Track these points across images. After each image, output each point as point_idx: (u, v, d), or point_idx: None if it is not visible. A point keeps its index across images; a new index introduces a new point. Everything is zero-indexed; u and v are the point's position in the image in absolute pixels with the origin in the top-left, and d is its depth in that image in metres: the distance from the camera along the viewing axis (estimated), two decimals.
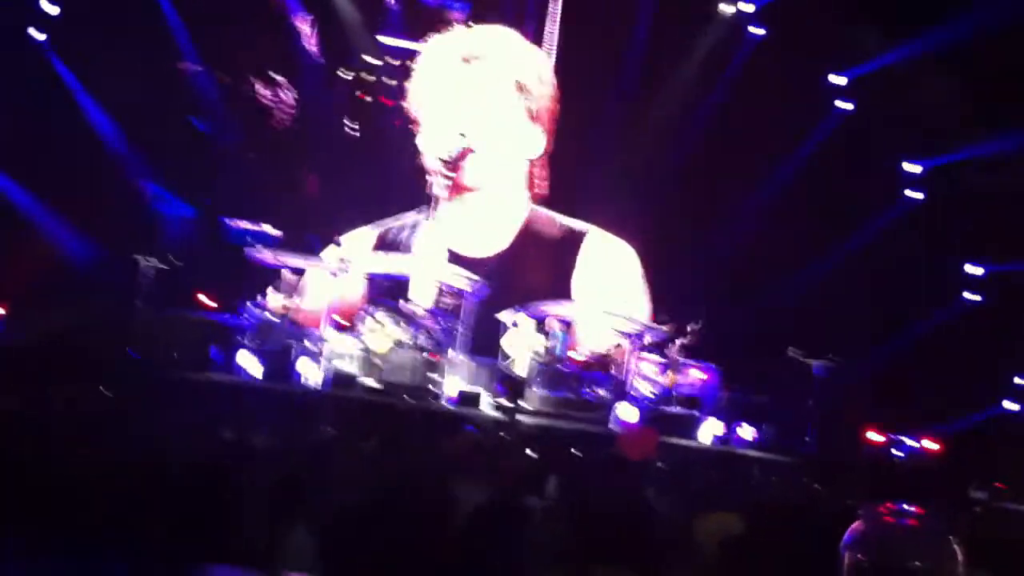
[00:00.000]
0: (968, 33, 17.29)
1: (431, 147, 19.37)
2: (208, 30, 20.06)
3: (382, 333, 16.49)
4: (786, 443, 16.62)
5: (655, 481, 7.78)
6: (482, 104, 19.78)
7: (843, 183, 19.73)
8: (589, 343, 18.65)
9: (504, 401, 15.49)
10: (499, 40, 20.19)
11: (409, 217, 20.16)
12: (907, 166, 20.00)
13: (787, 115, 19.72)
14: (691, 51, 20.69)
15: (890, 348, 19.34)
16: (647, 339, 17.49)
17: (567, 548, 3.56)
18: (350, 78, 21.00)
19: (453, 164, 18.55)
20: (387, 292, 17.68)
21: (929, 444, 17.57)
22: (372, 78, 21.00)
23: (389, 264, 18.35)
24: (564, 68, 20.52)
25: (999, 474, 14.89)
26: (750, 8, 20.42)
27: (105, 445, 4.08)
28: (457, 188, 19.19)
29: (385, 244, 19.84)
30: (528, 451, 8.41)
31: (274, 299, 16.79)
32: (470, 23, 20.44)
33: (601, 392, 17.02)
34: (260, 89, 20.53)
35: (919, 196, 19.98)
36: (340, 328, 17.07)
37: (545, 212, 20.54)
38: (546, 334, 17.14)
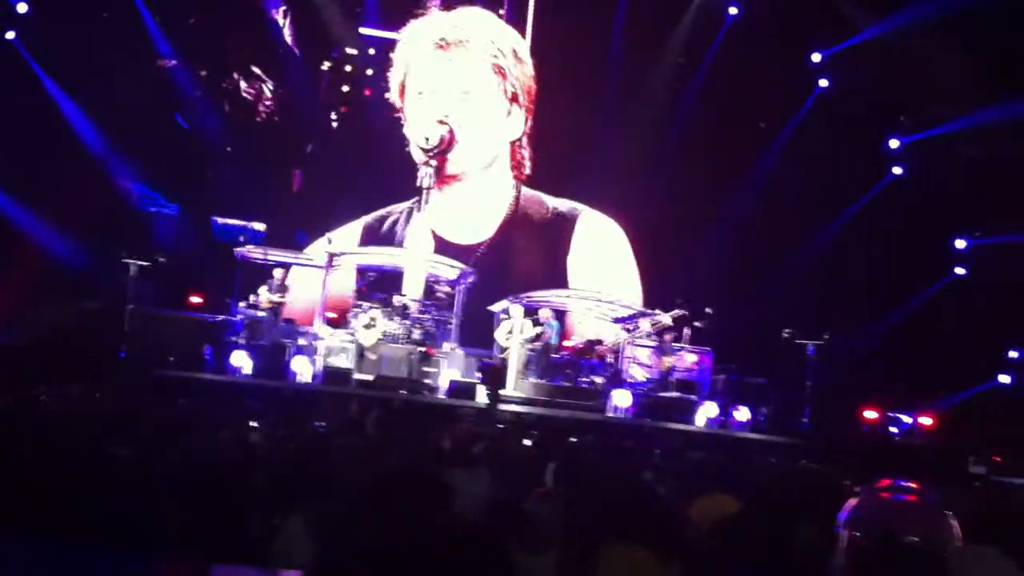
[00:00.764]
0: (952, 3, 17.28)
1: (414, 134, 19.30)
2: (184, 25, 19.95)
3: (374, 328, 16.46)
4: (782, 424, 16.64)
5: (653, 465, 7.77)
6: (462, 89, 19.70)
7: (829, 160, 19.72)
8: (584, 330, 18.65)
9: (484, 388, 15.39)
10: (476, 23, 20.08)
11: (397, 208, 20.10)
12: (890, 142, 20.01)
13: (769, 94, 19.71)
14: (672, 30, 20.64)
15: (883, 325, 19.37)
16: (647, 324, 17.43)
17: (569, 532, 3.54)
18: (330, 70, 20.92)
19: (436, 152, 18.50)
20: (379, 286, 17.63)
21: (924, 420, 17.61)
22: (351, 69, 20.93)
23: (378, 257, 18.31)
24: (545, 48, 20.44)
25: (995, 447, 14.93)
26: None
27: (96, 445, 4.06)
28: (442, 176, 19.14)
29: (372, 237, 19.77)
30: (525, 440, 8.39)
31: (265, 296, 16.74)
32: (448, 7, 20.31)
33: (596, 379, 17.02)
34: (241, 83, 20.44)
35: (899, 171, 20.00)
36: (332, 324, 17.03)
37: (533, 194, 20.47)
38: (539, 323, 17.12)
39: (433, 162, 18.46)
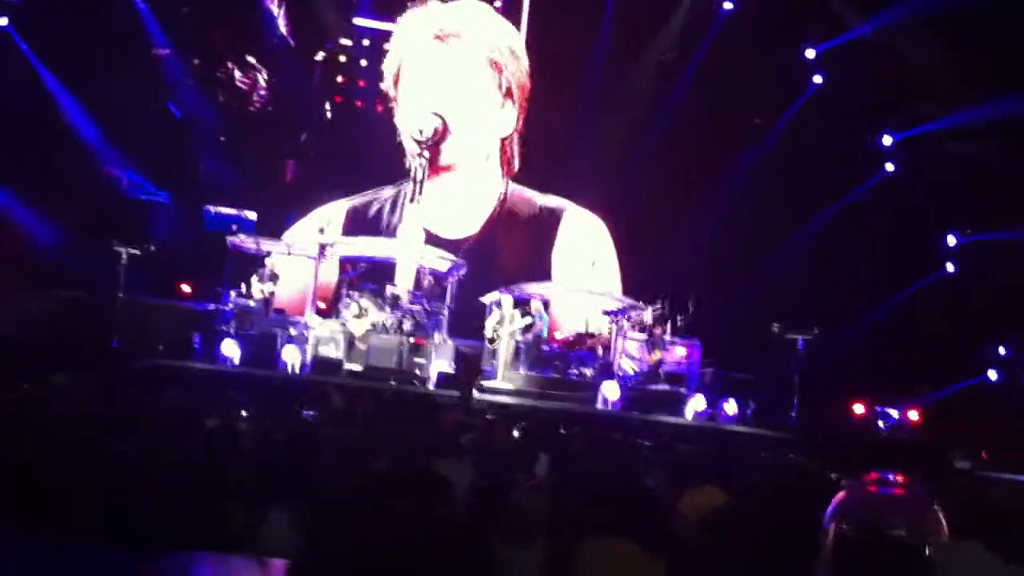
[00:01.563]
0: (940, 2, 17.31)
1: (407, 125, 19.27)
2: (177, 14, 19.88)
3: (364, 318, 16.44)
4: (771, 417, 16.66)
5: (642, 457, 7.79)
6: (457, 82, 19.67)
7: (819, 156, 19.76)
8: (570, 323, 18.65)
9: (458, 378, 15.34)
10: (473, 16, 20.04)
11: (384, 192, 20.05)
12: (882, 138, 20.05)
13: (762, 89, 19.74)
14: (665, 25, 20.64)
15: (871, 320, 19.43)
16: (645, 316, 17.42)
17: (556, 524, 3.55)
18: (324, 60, 20.87)
19: (429, 143, 18.47)
20: (370, 276, 17.60)
21: (911, 415, 17.66)
22: (345, 60, 20.88)
23: (370, 248, 18.27)
24: (538, 42, 20.43)
25: (981, 443, 15.00)
26: None
27: (85, 434, 4.05)
28: (435, 167, 19.10)
29: (358, 219, 19.69)
30: (515, 432, 8.40)
31: (256, 286, 16.70)
32: None
33: (586, 371, 17.03)
34: (235, 73, 20.37)
35: (891, 168, 20.04)
36: (322, 313, 17.01)
37: (521, 189, 20.47)
38: (530, 314, 17.11)
39: (426, 154, 18.42)
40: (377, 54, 20.30)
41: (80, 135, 19.24)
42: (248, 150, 20.16)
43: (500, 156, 20.28)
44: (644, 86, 20.71)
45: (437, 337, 16.74)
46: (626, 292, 18.92)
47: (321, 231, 17.98)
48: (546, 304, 17.92)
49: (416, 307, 16.95)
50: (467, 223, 20.03)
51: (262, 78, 20.52)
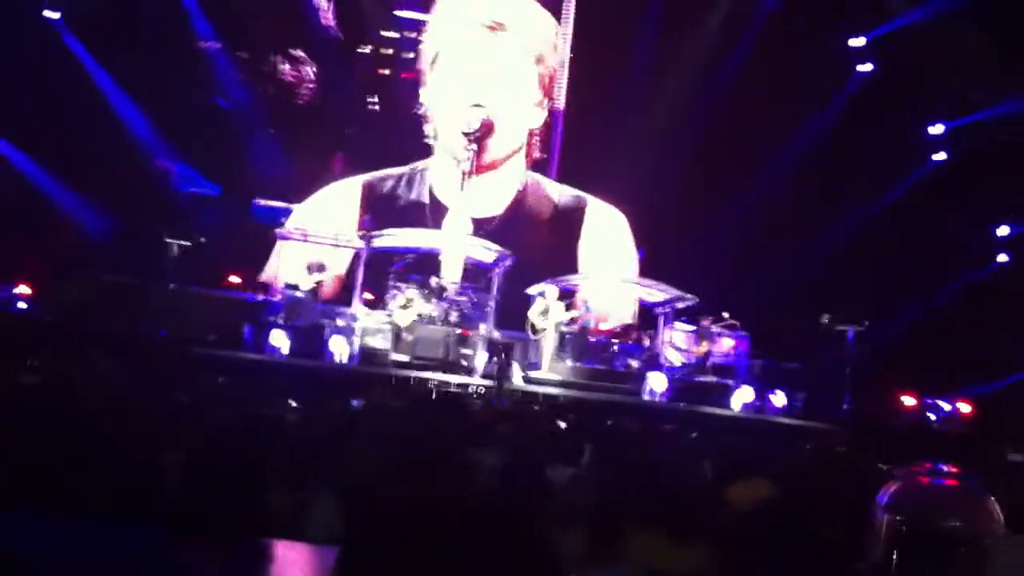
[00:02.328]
0: None
1: (451, 121, 19.21)
2: (225, 7, 20.04)
3: (411, 309, 16.51)
4: (820, 409, 16.52)
5: (688, 448, 7.74)
6: (502, 75, 19.58)
7: (869, 145, 19.53)
8: (616, 315, 18.59)
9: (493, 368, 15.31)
10: (522, 6, 19.94)
11: (393, 172, 20.05)
12: (932, 128, 19.76)
13: (808, 78, 19.53)
14: (708, 16, 20.48)
15: (922, 311, 19.18)
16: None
17: (601, 512, 3.53)
18: (369, 53, 20.94)
19: (476, 136, 18.43)
20: (415, 267, 17.65)
21: (962, 407, 17.43)
22: (391, 52, 20.93)
23: (415, 239, 18.30)
24: (578, 33, 20.38)
25: None
26: None
27: (133, 420, 4.10)
28: (480, 165, 19.01)
29: (373, 194, 19.66)
30: (560, 422, 8.38)
31: (304, 277, 16.83)
32: None
33: (633, 363, 16.98)
34: (282, 66, 20.50)
35: (941, 157, 19.76)
36: (369, 304, 17.10)
37: (542, 179, 20.40)
38: (576, 306, 17.09)
39: (473, 146, 18.40)
40: (421, 46, 20.30)
41: (131, 128, 19.48)
42: (296, 143, 20.30)
43: (526, 145, 20.23)
44: (687, 74, 20.55)
45: (483, 328, 16.76)
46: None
47: (366, 222, 18.05)
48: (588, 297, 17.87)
49: (462, 298, 16.99)
50: (490, 204, 19.86)
51: (309, 71, 20.64)
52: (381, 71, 21.10)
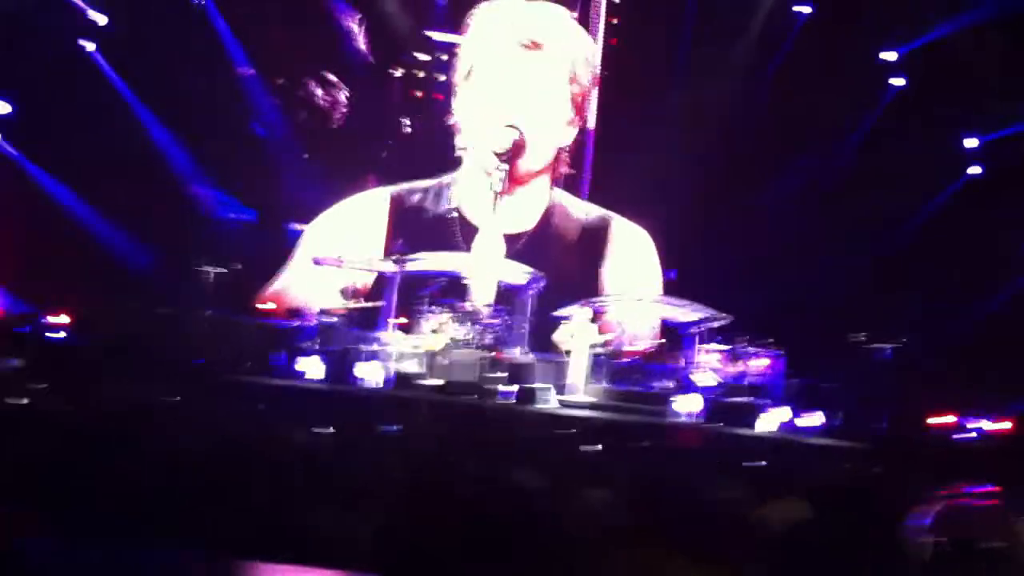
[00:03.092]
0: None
1: (482, 136, 19.24)
2: (257, 33, 20.27)
3: (443, 333, 16.54)
4: (854, 428, 16.36)
5: (723, 469, 7.70)
6: (537, 95, 19.56)
7: (904, 160, 19.40)
8: (648, 335, 18.54)
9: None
10: (558, 25, 19.87)
11: (429, 184, 20.09)
12: (966, 141, 19.63)
13: (840, 94, 19.47)
14: (740, 32, 20.47)
15: (961, 328, 18.99)
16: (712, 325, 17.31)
17: (633, 538, 3.52)
18: (402, 76, 21.08)
19: (508, 156, 18.46)
20: (448, 291, 17.69)
21: (1002, 425, 17.20)
22: (423, 74, 21.06)
23: (448, 263, 18.34)
24: (611, 50, 20.45)
25: None
26: None
27: (164, 445, 4.13)
28: (512, 180, 19.01)
29: (402, 208, 19.66)
30: (595, 445, 8.36)
31: (339, 302, 16.92)
32: None
33: (666, 383, 16.91)
34: (316, 91, 20.68)
35: (978, 171, 19.61)
36: (402, 329, 17.15)
37: (567, 197, 20.36)
38: (607, 328, 17.07)
39: (505, 165, 18.43)
40: (454, 69, 20.42)
41: (168, 157, 19.70)
42: (330, 167, 20.44)
43: (554, 162, 20.22)
44: (720, 90, 20.51)
45: (516, 351, 16.76)
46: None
47: (400, 250, 18.10)
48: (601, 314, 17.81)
49: (495, 321, 17.01)
50: (521, 220, 19.83)
51: (343, 95, 20.80)
52: (414, 93, 21.23)
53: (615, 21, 20.69)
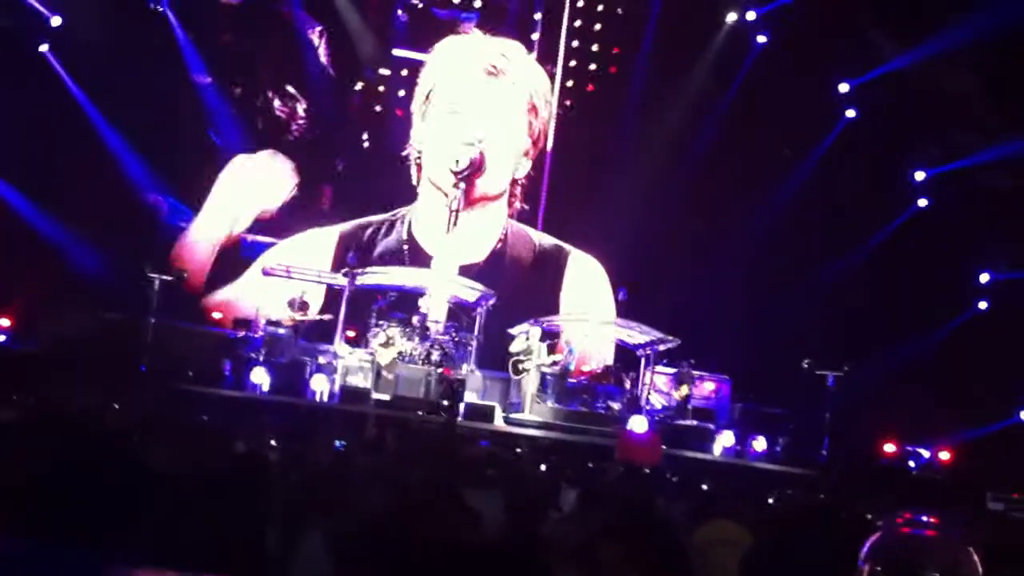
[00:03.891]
0: (976, 33, 17.27)
1: (440, 155, 19.28)
2: (218, 43, 20.15)
3: (392, 347, 16.48)
4: (800, 455, 16.55)
5: (666, 492, 7.76)
6: (498, 120, 19.67)
7: (852, 191, 19.71)
8: (597, 357, 18.61)
9: (442, 402, 15.22)
10: (520, 58, 20.17)
11: (376, 219, 20.10)
12: (915, 174, 19.97)
13: (794, 123, 19.75)
14: (697, 62, 20.73)
15: (902, 358, 19.26)
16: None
17: (582, 559, 3.54)
18: (362, 90, 21.06)
19: (466, 174, 18.50)
20: (398, 306, 17.63)
21: (942, 454, 17.48)
22: (384, 89, 21.07)
23: (399, 277, 18.29)
24: (571, 85, 20.71)
25: (1013, 485, 14.80)
26: (753, 16, 20.39)
27: (114, 456, 4.08)
28: (470, 199, 19.02)
29: (347, 246, 19.62)
30: (542, 465, 8.40)
31: (286, 313, 16.80)
32: (474, 27, 20.45)
33: (613, 405, 16.98)
34: (274, 102, 20.59)
35: (924, 203, 19.96)
36: (350, 342, 17.06)
37: (523, 227, 20.53)
38: (558, 348, 17.12)
39: (462, 184, 18.46)
40: (415, 85, 20.46)
41: (120, 163, 19.47)
42: None
43: (509, 195, 20.37)
44: (673, 121, 20.76)
45: (465, 368, 16.75)
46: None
47: (351, 260, 18.05)
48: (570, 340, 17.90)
49: (444, 337, 16.99)
50: (472, 252, 19.89)
51: (300, 108, 20.74)
52: (374, 108, 21.23)
53: (572, 63, 21.00)
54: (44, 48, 18.86)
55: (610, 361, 18.36)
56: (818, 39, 19.44)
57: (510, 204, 20.41)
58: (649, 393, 17.39)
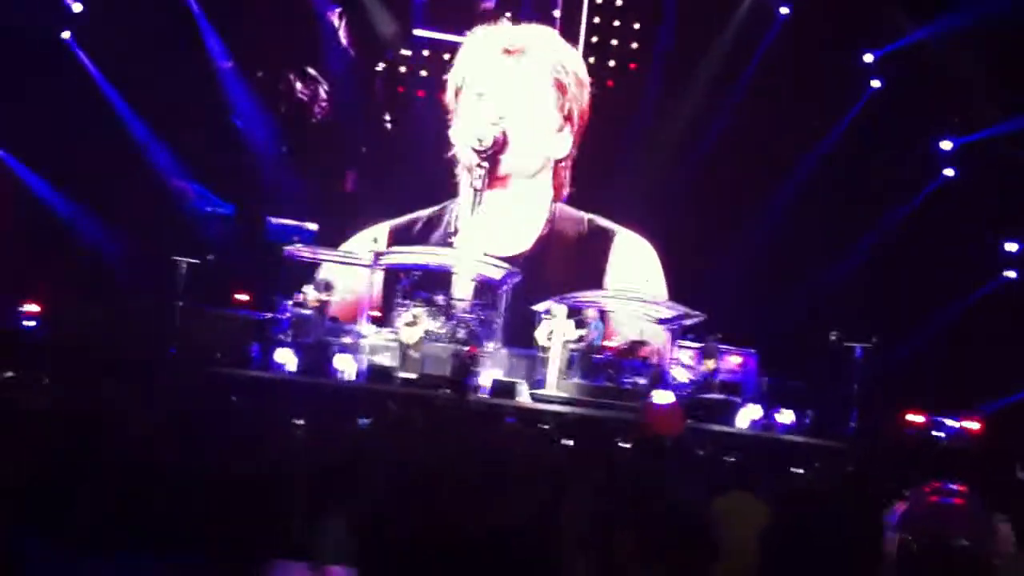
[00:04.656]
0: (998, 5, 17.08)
1: (466, 135, 19.31)
2: (238, 27, 20.15)
3: (417, 326, 16.53)
4: (827, 427, 16.49)
5: (691, 467, 7.73)
6: (520, 95, 19.68)
7: (877, 163, 19.55)
8: (624, 332, 18.60)
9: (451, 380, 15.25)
10: (542, 36, 20.18)
11: (424, 214, 20.16)
12: (941, 144, 19.77)
13: (817, 97, 19.59)
14: (720, 37, 20.58)
15: (930, 328, 19.14)
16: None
17: (609, 534, 3.54)
18: (384, 71, 21.03)
19: (489, 153, 18.50)
20: (423, 285, 17.67)
21: (971, 424, 17.37)
22: (405, 70, 21.04)
23: (425, 257, 18.34)
24: (594, 62, 20.69)
25: None
26: None
27: (141, 443, 4.11)
28: (492, 178, 19.08)
29: (399, 240, 19.71)
30: (567, 441, 8.39)
31: (311, 295, 16.88)
32: (506, 16, 20.41)
33: (639, 380, 16.98)
34: (296, 85, 20.59)
35: (951, 173, 19.77)
36: (376, 322, 17.13)
37: (571, 210, 20.49)
38: (583, 323, 17.11)
39: (485, 163, 18.48)
40: (436, 65, 20.45)
41: (145, 149, 19.56)
42: (309, 161, 20.38)
43: (553, 178, 20.32)
44: (700, 92, 20.64)
45: (490, 345, 16.78)
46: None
47: (375, 240, 18.13)
48: (602, 314, 17.91)
49: (469, 316, 17.02)
50: (517, 241, 20.01)
51: (323, 90, 20.73)
52: (396, 89, 21.20)
53: (594, 39, 20.88)
54: (66, 35, 18.93)
55: (644, 336, 18.27)
56: (840, 11, 19.25)
57: (557, 188, 20.37)
58: (675, 368, 17.38)
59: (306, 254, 17.62)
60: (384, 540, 2.63)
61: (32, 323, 16.38)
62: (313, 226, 18.86)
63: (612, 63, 21.00)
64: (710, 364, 17.29)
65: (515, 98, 19.57)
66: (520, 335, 17.38)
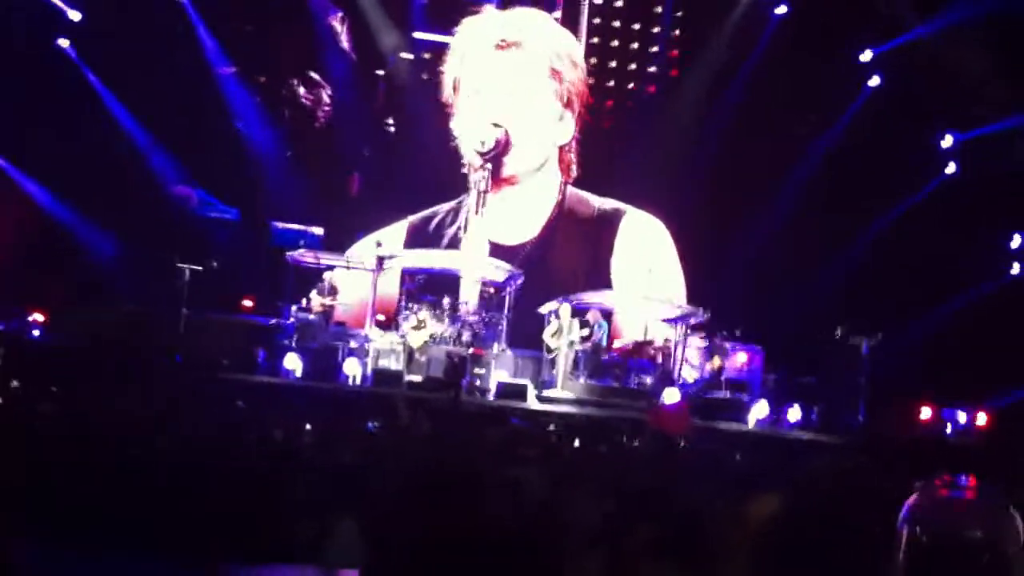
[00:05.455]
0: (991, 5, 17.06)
1: (468, 138, 19.30)
2: (241, 33, 20.14)
3: (423, 330, 16.52)
4: (836, 422, 16.46)
5: (700, 465, 7.73)
6: (517, 93, 19.61)
7: (882, 158, 19.51)
8: (630, 331, 18.57)
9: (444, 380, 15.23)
10: (533, 25, 19.99)
11: (443, 208, 20.12)
12: (944, 140, 19.73)
13: (818, 92, 19.56)
14: (719, 30, 20.54)
15: (936, 323, 19.10)
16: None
17: (617, 533, 3.53)
18: (386, 75, 21.01)
19: (491, 155, 18.48)
20: (429, 288, 17.66)
21: (979, 418, 17.33)
22: (407, 74, 21.01)
23: (428, 260, 18.34)
24: (594, 50, 20.55)
25: None
26: None
27: (151, 447, 4.11)
28: (497, 180, 19.09)
29: (418, 236, 19.75)
30: (575, 440, 8.39)
31: (316, 299, 16.88)
32: (504, 6, 20.32)
33: (646, 379, 16.96)
34: (299, 89, 20.59)
35: (952, 169, 19.73)
36: (382, 326, 17.12)
37: (578, 193, 20.41)
38: (588, 324, 17.09)
39: (488, 165, 18.46)
40: (438, 67, 20.42)
41: (147, 156, 19.55)
42: (313, 165, 20.37)
43: (559, 163, 20.24)
44: (700, 90, 20.61)
45: (496, 347, 16.77)
46: (689, 293, 18.86)
47: (378, 244, 18.11)
48: (607, 314, 17.88)
49: (474, 318, 17.01)
50: (526, 228, 19.96)
51: (325, 94, 20.71)
52: (397, 92, 21.19)
53: (595, 40, 20.85)
54: (65, 43, 18.92)
55: (644, 335, 18.24)
56: (838, 8, 19.23)
57: (565, 172, 20.30)
58: (681, 366, 17.36)
59: (309, 259, 17.61)
60: (393, 543, 2.62)
61: (37, 332, 16.40)
62: (319, 230, 18.87)
63: (612, 63, 20.91)
64: (716, 363, 17.26)
65: (513, 96, 19.51)
66: (526, 336, 17.36)
